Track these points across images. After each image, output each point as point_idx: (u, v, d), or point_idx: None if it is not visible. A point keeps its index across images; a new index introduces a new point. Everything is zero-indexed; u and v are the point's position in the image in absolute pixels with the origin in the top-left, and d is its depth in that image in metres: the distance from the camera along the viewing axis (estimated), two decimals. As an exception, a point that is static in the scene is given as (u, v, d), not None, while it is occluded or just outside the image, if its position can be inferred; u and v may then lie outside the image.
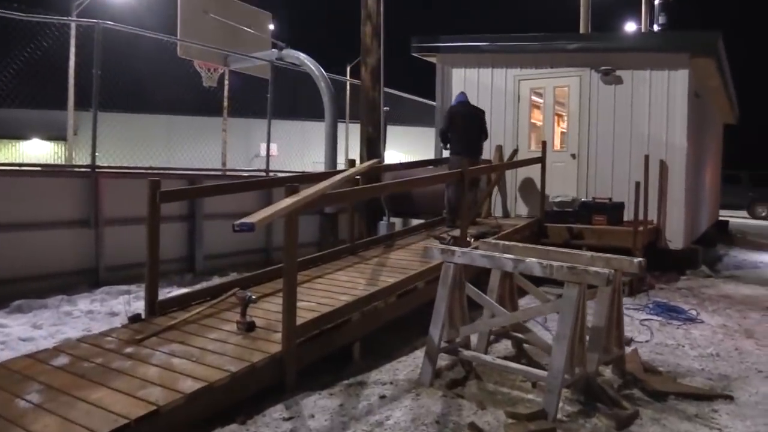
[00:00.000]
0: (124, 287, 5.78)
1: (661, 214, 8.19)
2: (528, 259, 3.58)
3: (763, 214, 19.99)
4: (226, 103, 10.20)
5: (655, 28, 9.34)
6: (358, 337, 4.16)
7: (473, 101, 8.45)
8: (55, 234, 5.64)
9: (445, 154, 9.57)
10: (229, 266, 7.34)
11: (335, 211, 8.20)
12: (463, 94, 8.24)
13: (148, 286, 4.13)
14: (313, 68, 8.12)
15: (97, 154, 5.97)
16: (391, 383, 3.78)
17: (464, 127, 7.87)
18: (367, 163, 6.14)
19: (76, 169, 5.88)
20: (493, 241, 4.43)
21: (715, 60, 8.29)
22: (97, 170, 5.89)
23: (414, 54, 10.29)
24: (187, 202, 7.00)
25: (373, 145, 8.96)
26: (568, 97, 9.09)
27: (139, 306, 5.27)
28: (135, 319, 4.01)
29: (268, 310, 4.14)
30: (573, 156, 8.95)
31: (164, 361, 3.31)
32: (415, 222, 10.58)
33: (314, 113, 9.13)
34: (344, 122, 8.96)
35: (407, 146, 12.53)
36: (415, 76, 9.50)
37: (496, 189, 9.07)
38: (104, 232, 5.97)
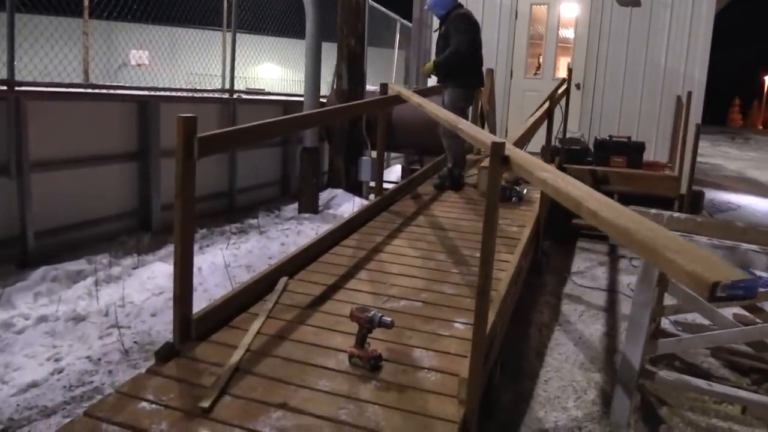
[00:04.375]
0: (71, 266, 3.89)
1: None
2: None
3: None
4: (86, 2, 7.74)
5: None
6: (499, 354, 2.89)
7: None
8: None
9: (431, 82, 8.03)
10: (191, 219, 5.54)
11: (317, 144, 6.57)
12: None
13: (180, 296, 2.46)
14: (289, -44, 6.14)
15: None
16: (579, 429, 2.61)
17: (479, 45, 6.14)
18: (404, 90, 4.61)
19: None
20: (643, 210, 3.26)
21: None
22: (17, 88, 3.75)
23: (390, -49, 8.49)
24: (137, 132, 5.02)
25: (356, 62, 7.28)
26: (576, 18, 7.94)
27: (110, 298, 3.52)
28: (167, 353, 2.36)
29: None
30: (577, 86, 7.93)
31: (287, 458, 1.82)
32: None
33: (186, 19, 7.40)
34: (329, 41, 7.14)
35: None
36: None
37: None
38: (31, 182, 3.93)
